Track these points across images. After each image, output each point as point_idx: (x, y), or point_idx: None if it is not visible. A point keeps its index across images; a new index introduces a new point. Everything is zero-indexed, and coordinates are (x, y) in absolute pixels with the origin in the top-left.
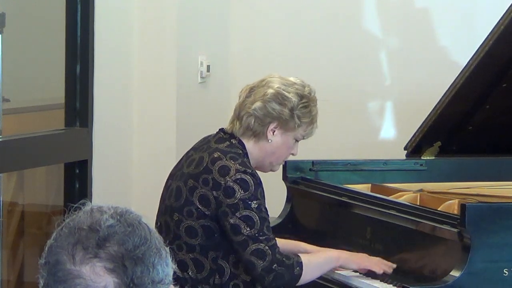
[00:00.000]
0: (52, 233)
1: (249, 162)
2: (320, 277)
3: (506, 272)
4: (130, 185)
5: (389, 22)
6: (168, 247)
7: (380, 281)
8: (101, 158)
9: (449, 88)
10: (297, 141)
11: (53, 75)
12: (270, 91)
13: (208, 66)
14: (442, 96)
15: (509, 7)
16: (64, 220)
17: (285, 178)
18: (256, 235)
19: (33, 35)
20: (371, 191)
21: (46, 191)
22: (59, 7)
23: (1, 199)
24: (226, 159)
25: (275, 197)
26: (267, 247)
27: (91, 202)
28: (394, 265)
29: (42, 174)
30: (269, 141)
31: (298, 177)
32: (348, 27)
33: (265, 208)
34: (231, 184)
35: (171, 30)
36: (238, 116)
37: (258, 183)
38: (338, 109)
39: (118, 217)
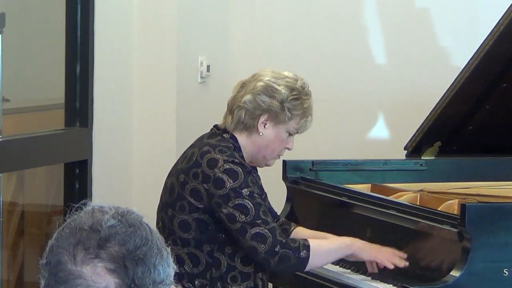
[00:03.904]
0: (52, 233)
1: (240, 156)
2: (320, 277)
3: (506, 272)
4: (130, 185)
5: (389, 22)
6: (169, 247)
7: (380, 281)
8: (101, 158)
9: (449, 88)
10: (290, 134)
11: (53, 75)
12: (260, 84)
13: (208, 66)
14: (442, 96)
15: (509, 7)
16: (65, 220)
17: (285, 178)
18: (253, 221)
19: (33, 35)
20: (371, 191)
21: (46, 191)
22: (59, 7)
23: (1, 199)
24: (215, 152)
25: (275, 197)
26: (266, 230)
27: (91, 202)
28: (407, 263)
29: (42, 174)
30: (261, 134)
31: (298, 177)
32: (348, 27)
33: (258, 195)
34: (220, 175)
35: (171, 30)
36: (230, 110)
37: (248, 171)
38: (338, 109)
39: (120, 218)
